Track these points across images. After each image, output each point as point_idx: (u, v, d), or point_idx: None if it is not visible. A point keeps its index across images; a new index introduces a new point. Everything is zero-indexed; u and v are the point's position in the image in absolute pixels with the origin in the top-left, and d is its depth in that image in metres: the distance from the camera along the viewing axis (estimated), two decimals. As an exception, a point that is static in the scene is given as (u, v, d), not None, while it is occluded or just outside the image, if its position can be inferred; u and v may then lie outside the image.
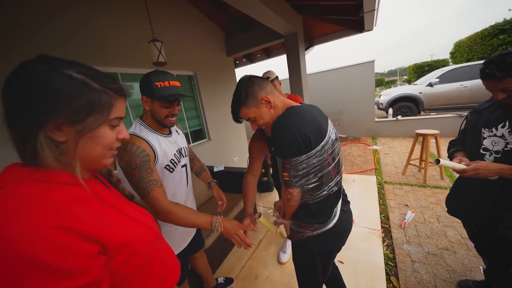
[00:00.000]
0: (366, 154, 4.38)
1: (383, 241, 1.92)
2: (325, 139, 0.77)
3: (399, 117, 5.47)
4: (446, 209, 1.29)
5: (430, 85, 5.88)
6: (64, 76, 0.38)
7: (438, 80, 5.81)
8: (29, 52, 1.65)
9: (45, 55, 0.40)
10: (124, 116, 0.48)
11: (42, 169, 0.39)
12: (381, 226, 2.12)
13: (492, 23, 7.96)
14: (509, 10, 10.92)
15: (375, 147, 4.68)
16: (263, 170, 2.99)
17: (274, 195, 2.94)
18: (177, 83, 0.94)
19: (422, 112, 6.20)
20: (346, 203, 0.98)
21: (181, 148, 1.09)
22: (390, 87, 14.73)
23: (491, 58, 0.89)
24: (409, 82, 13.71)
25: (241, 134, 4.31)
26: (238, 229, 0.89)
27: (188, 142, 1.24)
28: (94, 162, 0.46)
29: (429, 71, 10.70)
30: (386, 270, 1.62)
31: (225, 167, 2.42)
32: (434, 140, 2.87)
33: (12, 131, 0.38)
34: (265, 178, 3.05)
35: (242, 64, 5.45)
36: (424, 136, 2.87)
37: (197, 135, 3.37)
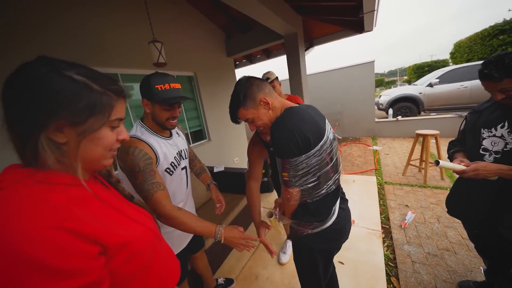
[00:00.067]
0: (366, 154, 4.38)
1: (384, 242, 1.92)
2: (324, 139, 0.79)
3: (399, 117, 5.47)
4: (446, 209, 1.29)
5: (430, 85, 5.88)
6: (65, 78, 0.38)
7: (438, 80, 5.81)
8: (29, 52, 1.65)
9: (45, 56, 0.40)
10: (124, 117, 0.48)
11: (41, 170, 0.39)
12: (382, 226, 2.12)
13: (492, 24, 7.97)
14: (509, 10, 10.93)
15: (375, 147, 4.67)
16: (263, 171, 2.99)
17: (274, 196, 2.94)
18: (177, 85, 0.93)
19: (422, 113, 6.20)
20: (344, 201, 1.00)
21: (181, 151, 1.09)
22: (390, 88, 14.74)
23: (490, 59, 0.89)
24: (409, 82, 13.72)
25: (241, 135, 4.31)
26: (240, 239, 0.88)
27: (188, 143, 1.24)
28: (94, 163, 0.46)
29: (429, 71, 10.71)
30: (386, 270, 1.62)
31: (225, 168, 2.42)
32: (434, 141, 2.87)
33: (12, 132, 0.38)
34: (265, 179, 3.05)
35: (242, 64, 5.46)
36: (424, 136, 2.87)
37: (197, 135, 3.38)
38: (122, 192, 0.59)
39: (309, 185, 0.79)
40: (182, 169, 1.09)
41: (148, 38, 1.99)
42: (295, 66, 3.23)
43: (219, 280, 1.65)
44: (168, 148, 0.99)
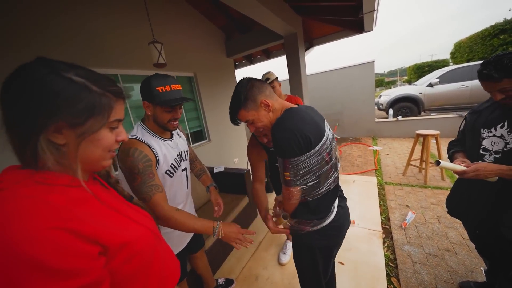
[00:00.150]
0: (367, 154, 4.37)
1: (384, 242, 1.92)
2: (324, 139, 0.80)
3: (400, 117, 5.47)
4: (447, 210, 1.28)
5: (431, 85, 5.87)
6: (64, 79, 0.38)
7: (438, 80, 5.81)
8: (29, 52, 1.66)
9: (44, 57, 0.40)
10: (123, 118, 0.48)
11: (41, 171, 0.39)
12: (382, 227, 2.11)
13: (493, 23, 7.96)
14: (510, 10, 10.91)
15: (375, 147, 4.67)
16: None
17: (274, 195, 2.94)
18: (178, 87, 0.93)
19: (422, 113, 6.19)
20: (342, 199, 1.02)
21: (181, 152, 1.08)
22: (390, 88, 14.73)
23: (488, 59, 0.89)
24: (409, 82, 13.70)
25: (241, 135, 4.31)
26: (238, 234, 0.90)
27: (189, 144, 1.24)
28: (93, 164, 0.46)
29: (429, 71, 10.70)
30: (386, 271, 1.62)
31: (225, 168, 2.42)
32: (435, 141, 2.87)
33: (12, 134, 0.38)
34: (266, 179, 3.05)
35: (242, 65, 5.47)
36: (425, 136, 2.86)
37: (197, 136, 3.38)
38: (121, 192, 0.59)
39: (310, 184, 0.80)
40: (183, 170, 1.09)
41: (148, 39, 2.00)
42: (295, 67, 3.23)
43: (219, 280, 1.64)
44: (169, 149, 0.99)
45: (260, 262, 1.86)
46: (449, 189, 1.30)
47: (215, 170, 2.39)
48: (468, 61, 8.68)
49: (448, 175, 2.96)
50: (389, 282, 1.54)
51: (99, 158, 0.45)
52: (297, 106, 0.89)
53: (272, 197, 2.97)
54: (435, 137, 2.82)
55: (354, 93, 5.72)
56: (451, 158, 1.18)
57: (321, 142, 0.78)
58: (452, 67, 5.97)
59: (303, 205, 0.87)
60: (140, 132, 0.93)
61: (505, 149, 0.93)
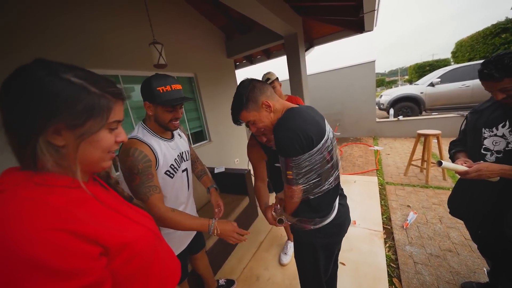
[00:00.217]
0: (367, 154, 4.36)
1: (385, 243, 1.91)
2: (325, 138, 0.82)
3: (401, 117, 5.45)
4: (449, 210, 1.28)
5: (432, 85, 5.85)
6: (63, 81, 0.38)
7: (439, 80, 5.78)
8: (30, 53, 1.66)
9: (42, 59, 0.40)
10: (122, 119, 0.48)
11: (40, 172, 0.39)
12: (383, 227, 2.10)
13: (492, 23, 7.92)
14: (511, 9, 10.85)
15: (376, 147, 4.66)
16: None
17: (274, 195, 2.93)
18: (178, 86, 0.94)
19: (423, 112, 6.17)
20: (343, 197, 1.04)
21: (182, 153, 1.09)
22: (391, 87, 14.69)
23: (489, 59, 0.90)
24: (410, 82, 13.65)
25: (242, 136, 4.31)
26: (233, 232, 0.92)
27: (190, 144, 1.25)
28: (93, 165, 0.46)
29: (431, 71, 10.65)
30: (388, 271, 1.61)
31: (225, 169, 2.42)
32: (436, 140, 2.85)
33: (11, 136, 0.38)
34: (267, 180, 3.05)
35: (242, 65, 5.47)
36: (426, 136, 2.85)
37: (197, 136, 3.38)
38: (121, 193, 0.60)
39: (312, 182, 0.82)
40: (183, 171, 1.09)
41: (148, 39, 2.00)
42: (295, 67, 3.23)
43: (220, 281, 1.64)
44: (169, 150, 0.99)
45: (261, 263, 1.86)
46: (450, 189, 1.30)
47: (216, 171, 2.39)
48: (469, 60, 8.63)
49: (450, 175, 2.94)
50: (391, 282, 1.53)
51: (98, 159, 0.45)
52: (298, 106, 0.91)
53: (272, 198, 2.96)
54: (437, 136, 2.81)
55: (354, 93, 5.71)
56: (453, 158, 1.18)
57: (322, 141, 0.80)
58: (454, 66, 5.94)
59: (304, 203, 0.88)
60: (141, 132, 0.94)
61: (506, 148, 0.93)
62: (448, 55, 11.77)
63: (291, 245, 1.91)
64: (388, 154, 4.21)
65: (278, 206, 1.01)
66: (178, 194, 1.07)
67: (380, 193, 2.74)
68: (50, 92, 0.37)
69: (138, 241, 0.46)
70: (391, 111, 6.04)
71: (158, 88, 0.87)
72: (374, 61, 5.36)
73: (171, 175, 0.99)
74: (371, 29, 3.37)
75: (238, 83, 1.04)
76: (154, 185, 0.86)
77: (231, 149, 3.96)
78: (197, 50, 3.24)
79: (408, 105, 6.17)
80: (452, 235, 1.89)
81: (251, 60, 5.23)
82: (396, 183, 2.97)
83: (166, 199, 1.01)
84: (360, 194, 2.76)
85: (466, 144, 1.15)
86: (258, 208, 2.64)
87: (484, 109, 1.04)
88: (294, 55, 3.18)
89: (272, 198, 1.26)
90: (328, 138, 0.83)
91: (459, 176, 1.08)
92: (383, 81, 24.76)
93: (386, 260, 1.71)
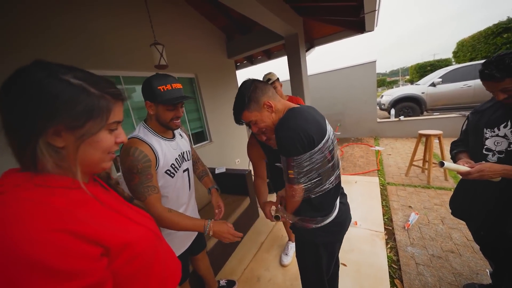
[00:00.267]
0: (369, 155, 4.35)
1: (387, 243, 1.90)
2: (326, 138, 0.83)
3: (402, 117, 5.43)
4: (450, 210, 1.27)
5: (433, 85, 5.83)
6: (62, 82, 0.38)
7: (441, 80, 5.76)
8: (30, 53, 1.64)
9: (41, 60, 0.40)
10: (122, 120, 0.48)
11: (40, 174, 0.39)
12: (384, 228, 2.09)
13: (494, 22, 7.88)
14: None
15: (377, 148, 4.64)
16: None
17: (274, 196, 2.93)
18: (179, 85, 0.95)
19: (425, 113, 6.15)
20: (343, 196, 1.06)
21: (183, 152, 1.09)
22: (392, 88, 14.65)
23: (490, 59, 0.90)
24: (411, 82, 13.61)
25: (243, 136, 4.31)
26: (228, 233, 0.94)
27: (191, 145, 1.26)
28: (93, 166, 0.46)
29: (432, 70, 10.61)
30: (390, 273, 1.60)
31: (226, 169, 2.42)
32: (438, 141, 2.84)
33: (11, 138, 0.38)
34: (267, 180, 3.05)
35: (243, 66, 5.47)
36: (427, 136, 2.84)
37: (198, 137, 3.39)
38: (121, 194, 0.60)
39: (313, 181, 0.83)
40: (184, 171, 1.09)
41: (149, 40, 2.00)
42: (296, 67, 3.23)
43: (221, 282, 1.64)
44: (170, 149, 0.99)
45: (262, 264, 1.86)
46: (452, 190, 1.29)
47: (217, 171, 2.39)
48: (471, 60, 8.59)
49: (452, 176, 2.93)
50: (392, 284, 1.52)
51: (98, 160, 0.46)
52: (299, 106, 0.91)
53: (273, 198, 2.96)
54: (438, 137, 2.80)
55: (355, 93, 5.70)
56: (454, 159, 1.17)
57: (323, 141, 0.81)
58: (455, 66, 5.92)
59: (306, 202, 0.89)
60: (142, 132, 0.95)
61: (508, 149, 0.92)
62: (449, 55, 11.73)
63: (292, 246, 1.90)
64: (389, 155, 4.19)
65: (280, 205, 1.02)
66: (179, 194, 1.07)
67: (381, 194, 2.73)
68: (49, 93, 0.37)
69: (139, 241, 0.46)
70: (392, 111, 6.01)
71: (159, 87, 0.88)
72: (375, 61, 5.35)
73: (171, 174, 0.99)
74: (372, 29, 3.36)
75: (238, 84, 1.05)
76: (152, 185, 0.87)
77: (232, 150, 3.96)
78: (197, 50, 3.24)
79: (409, 105, 6.15)
80: (454, 236, 1.88)
81: (252, 61, 5.23)
82: (398, 184, 2.96)
83: (168, 199, 1.01)
84: (361, 194, 2.75)
85: (467, 145, 1.15)
86: (259, 209, 2.64)
87: (485, 109, 1.04)
88: (294, 56, 3.18)
89: (272, 198, 1.26)
90: (329, 138, 0.84)
91: (461, 177, 1.07)
92: (384, 81, 24.69)
93: (388, 261, 1.70)
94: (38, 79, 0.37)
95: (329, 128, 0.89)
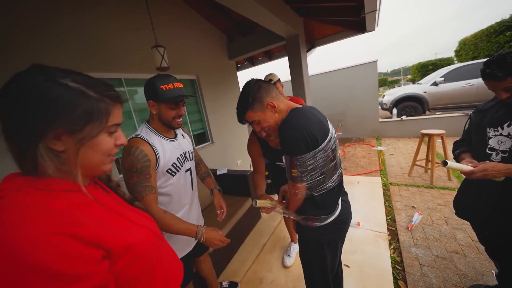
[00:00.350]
0: (371, 155, 4.33)
1: (390, 244, 1.88)
2: (328, 137, 0.84)
3: (404, 117, 5.39)
4: (454, 211, 1.26)
5: (435, 84, 5.79)
6: (60, 86, 0.38)
7: (443, 79, 5.72)
8: (30, 55, 1.63)
9: (39, 64, 0.40)
10: (121, 122, 0.48)
11: (41, 178, 0.39)
12: (388, 228, 2.08)
13: (495, 20, 7.82)
14: (515, 6, 10.70)
15: (379, 148, 4.62)
16: (266, 173, 2.97)
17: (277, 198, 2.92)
18: (180, 85, 0.96)
19: (427, 112, 6.11)
20: (344, 194, 1.08)
21: (185, 152, 1.09)
22: (394, 87, 14.57)
23: (491, 58, 0.89)
24: (413, 81, 13.53)
25: (244, 137, 4.31)
26: (219, 241, 0.97)
27: (193, 146, 1.27)
28: (93, 169, 0.46)
29: (434, 70, 10.55)
30: (393, 274, 1.59)
31: (228, 170, 2.42)
32: (440, 140, 2.82)
33: (11, 142, 0.38)
34: (269, 181, 3.04)
35: (244, 67, 5.48)
36: (430, 136, 2.81)
37: (200, 138, 3.39)
38: (122, 196, 0.60)
39: (316, 179, 0.85)
40: (187, 171, 1.09)
41: (150, 42, 2.01)
42: (297, 68, 3.23)
43: (223, 283, 1.64)
44: (172, 149, 1.00)
45: (265, 265, 1.85)
46: (456, 190, 1.28)
47: (218, 172, 2.39)
48: (473, 58, 8.53)
49: (455, 175, 2.90)
50: (396, 285, 1.51)
51: (98, 163, 0.46)
52: (302, 106, 0.93)
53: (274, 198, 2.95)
54: (441, 136, 2.78)
55: (357, 93, 5.68)
56: (457, 159, 1.16)
57: (326, 140, 0.83)
58: (457, 65, 5.88)
59: (310, 200, 0.90)
60: (144, 132, 0.96)
61: (512, 148, 0.91)
62: (451, 53, 11.68)
63: (294, 247, 1.89)
64: (392, 154, 4.17)
65: (281, 205, 1.04)
66: (182, 194, 1.07)
67: (384, 194, 2.71)
68: (48, 97, 0.37)
69: (141, 243, 0.46)
70: (394, 111, 5.98)
71: (161, 87, 0.90)
72: (376, 61, 5.33)
73: (172, 173, 1.00)
74: (372, 29, 3.35)
75: (240, 85, 1.06)
76: (150, 185, 0.88)
77: (234, 151, 3.96)
78: (199, 52, 3.25)
79: (411, 105, 6.11)
80: (458, 236, 1.86)
81: (253, 62, 5.24)
82: (400, 184, 2.94)
83: (171, 198, 1.02)
84: (364, 195, 2.73)
85: (470, 144, 1.14)
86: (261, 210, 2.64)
87: (488, 108, 1.03)
88: (295, 56, 3.18)
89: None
90: (331, 138, 0.86)
91: (464, 176, 1.06)
92: (386, 81, 24.60)
93: (391, 262, 1.69)
94: (36, 84, 0.37)
95: (331, 128, 0.90)
